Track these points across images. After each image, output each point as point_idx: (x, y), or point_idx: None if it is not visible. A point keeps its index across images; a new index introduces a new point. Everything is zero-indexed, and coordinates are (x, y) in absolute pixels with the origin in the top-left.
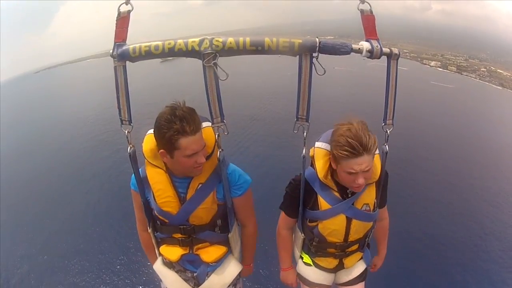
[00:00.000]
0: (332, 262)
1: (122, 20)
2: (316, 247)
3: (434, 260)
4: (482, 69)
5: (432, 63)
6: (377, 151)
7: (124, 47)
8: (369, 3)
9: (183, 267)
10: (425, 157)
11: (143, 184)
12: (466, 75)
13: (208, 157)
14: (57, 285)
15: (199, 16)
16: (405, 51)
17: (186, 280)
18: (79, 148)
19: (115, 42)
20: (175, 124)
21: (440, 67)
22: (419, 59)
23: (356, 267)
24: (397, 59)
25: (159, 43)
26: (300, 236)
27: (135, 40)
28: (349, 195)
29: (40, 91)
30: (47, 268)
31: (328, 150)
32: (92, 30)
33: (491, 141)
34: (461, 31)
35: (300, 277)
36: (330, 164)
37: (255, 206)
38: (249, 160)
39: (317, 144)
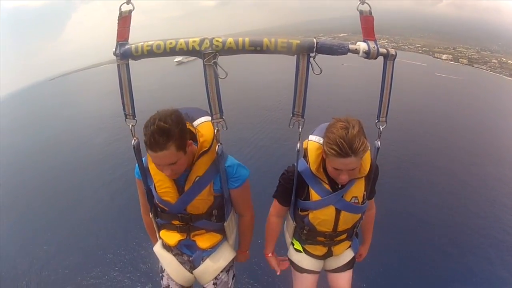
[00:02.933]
0: (321, 250)
1: (124, 20)
2: (307, 235)
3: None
4: (493, 61)
5: (444, 56)
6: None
7: (126, 46)
8: (368, 4)
9: (180, 251)
10: (426, 148)
11: (146, 173)
12: (478, 67)
13: (206, 151)
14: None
15: (211, 18)
16: (417, 45)
17: (182, 263)
18: (103, 149)
19: (117, 41)
20: (145, 136)
21: (451, 60)
22: (431, 52)
23: (344, 255)
24: (394, 60)
25: (161, 42)
26: (292, 224)
27: None
28: (339, 187)
29: (57, 97)
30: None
31: (321, 144)
32: (105, 35)
33: (496, 129)
34: (472, 24)
35: (291, 262)
36: (322, 157)
37: (253, 197)
38: (250, 152)
39: (311, 137)
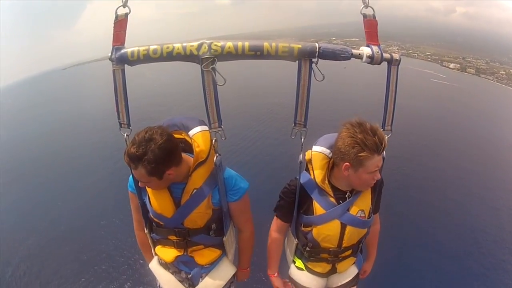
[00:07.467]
0: (325, 267)
1: (120, 23)
2: (310, 252)
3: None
4: (501, 72)
5: (451, 65)
6: None
7: (122, 51)
8: (372, 8)
9: (178, 268)
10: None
11: (140, 186)
12: (484, 77)
13: (203, 162)
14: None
15: (226, 16)
16: (427, 53)
17: (180, 281)
18: (113, 139)
19: (113, 46)
20: (128, 150)
21: (459, 70)
22: (439, 61)
23: (349, 272)
24: (398, 65)
25: (157, 47)
26: (293, 241)
27: (165, 40)
28: (347, 199)
29: (69, 86)
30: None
31: (326, 155)
32: None
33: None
34: (485, 35)
35: (292, 281)
36: (327, 168)
37: (253, 210)
38: (249, 163)
39: (315, 148)
